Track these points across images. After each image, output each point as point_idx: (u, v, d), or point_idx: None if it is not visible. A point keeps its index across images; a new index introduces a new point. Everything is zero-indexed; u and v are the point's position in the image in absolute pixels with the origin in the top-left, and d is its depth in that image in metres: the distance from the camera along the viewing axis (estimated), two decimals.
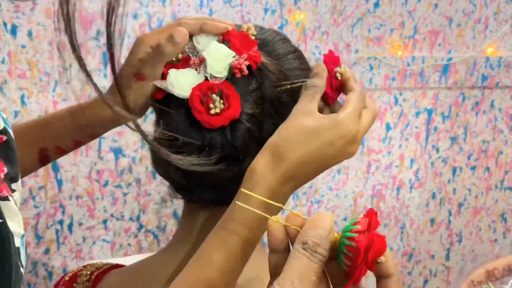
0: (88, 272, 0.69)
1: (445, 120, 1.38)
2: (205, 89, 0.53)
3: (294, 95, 0.56)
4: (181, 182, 0.57)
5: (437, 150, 1.40)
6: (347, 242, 0.37)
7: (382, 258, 0.39)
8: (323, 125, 0.50)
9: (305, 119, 0.50)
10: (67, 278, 0.70)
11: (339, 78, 0.54)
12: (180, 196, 0.60)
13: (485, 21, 1.33)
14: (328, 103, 0.54)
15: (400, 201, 1.42)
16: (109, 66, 1.08)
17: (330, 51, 0.56)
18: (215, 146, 0.54)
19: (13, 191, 0.44)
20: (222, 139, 0.54)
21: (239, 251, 0.50)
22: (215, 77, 0.54)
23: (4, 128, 0.45)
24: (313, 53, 1.25)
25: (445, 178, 1.43)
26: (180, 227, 0.65)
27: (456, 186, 1.44)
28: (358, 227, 0.37)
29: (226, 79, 0.55)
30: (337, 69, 0.54)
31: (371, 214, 0.38)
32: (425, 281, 1.50)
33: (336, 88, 0.54)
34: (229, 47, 0.56)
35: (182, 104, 0.54)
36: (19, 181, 0.46)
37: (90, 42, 1.13)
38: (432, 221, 1.46)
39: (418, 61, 1.31)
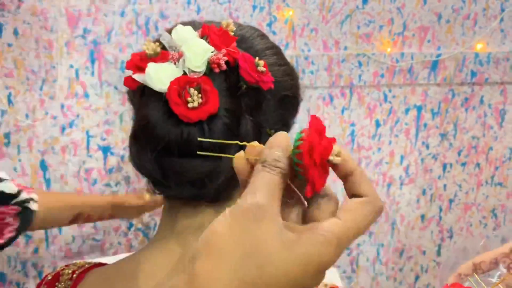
0: (70, 271, 0.69)
1: (434, 117, 1.39)
2: (183, 82, 0.53)
3: (272, 91, 0.56)
4: (159, 178, 0.57)
5: (427, 147, 1.40)
6: (296, 151, 0.36)
7: (336, 158, 0.37)
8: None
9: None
10: (49, 278, 0.70)
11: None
12: (158, 192, 0.60)
13: (474, 17, 1.33)
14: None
15: (391, 198, 1.42)
16: (96, 64, 1.07)
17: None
18: (192, 140, 0.54)
19: None
20: (200, 133, 0.54)
21: None
22: (194, 72, 0.54)
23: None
24: (302, 50, 1.25)
25: (436, 174, 1.43)
26: (161, 223, 0.65)
27: (446, 182, 1.44)
28: (303, 134, 0.37)
29: (205, 74, 0.55)
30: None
31: (312, 120, 0.37)
32: (417, 277, 1.51)
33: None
34: (208, 43, 0.56)
35: (160, 98, 0.54)
36: None
37: (77, 40, 1.12)
38: (423, 217, 1.46)
39: (407, 57, 1.31)
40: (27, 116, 1.12)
